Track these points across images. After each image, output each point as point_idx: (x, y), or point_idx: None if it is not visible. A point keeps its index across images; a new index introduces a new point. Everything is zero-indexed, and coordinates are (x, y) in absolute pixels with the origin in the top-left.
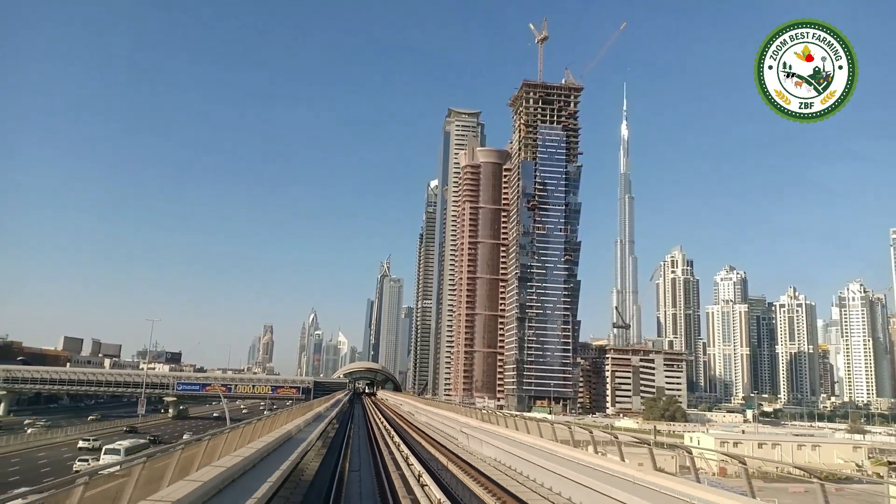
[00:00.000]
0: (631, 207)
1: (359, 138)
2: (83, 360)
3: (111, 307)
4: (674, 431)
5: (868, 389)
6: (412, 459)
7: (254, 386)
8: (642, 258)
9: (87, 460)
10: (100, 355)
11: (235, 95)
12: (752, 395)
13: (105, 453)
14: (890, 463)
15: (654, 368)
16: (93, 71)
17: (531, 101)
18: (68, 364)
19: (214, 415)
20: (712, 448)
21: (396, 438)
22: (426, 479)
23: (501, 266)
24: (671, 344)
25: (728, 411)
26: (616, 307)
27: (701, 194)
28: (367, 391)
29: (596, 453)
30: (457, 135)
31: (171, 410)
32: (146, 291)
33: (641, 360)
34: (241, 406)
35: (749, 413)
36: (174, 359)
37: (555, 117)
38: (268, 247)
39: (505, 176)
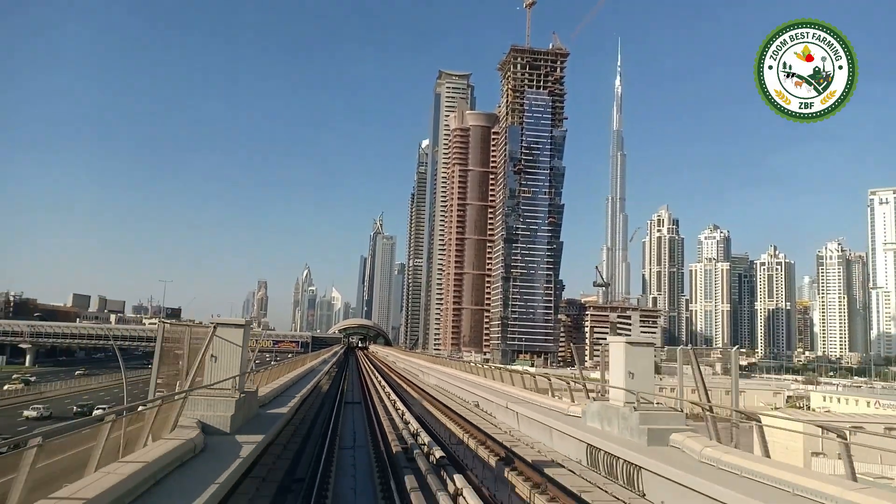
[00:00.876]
0: (623, 164)
1: (352, 98)
2: (91, 316)
3: (111, 264)
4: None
5: (841, 345)
6: (384, 383)
7: (256, 340)
8: (633, 215)
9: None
10: (105, 311)
11: (227, 59)
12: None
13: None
14: (800, 406)
15: (630, 324)
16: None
17: (518, 66)
18: (77, 319)
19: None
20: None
21: (378, 376)
22: (393, 396)
23: (489, 227)
24: (655, 300)
25: (714, 365)
26: (597, 266)
27: (690, 154)
28: (360, 345)
29: (553, 397)
30: (447, 97)
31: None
32: (144, 248)
33: (619, 316)
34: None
35: (718, 366)
36: (174, 314)
37: (541, 82)
38: (262, 204)
39: (493, 139)
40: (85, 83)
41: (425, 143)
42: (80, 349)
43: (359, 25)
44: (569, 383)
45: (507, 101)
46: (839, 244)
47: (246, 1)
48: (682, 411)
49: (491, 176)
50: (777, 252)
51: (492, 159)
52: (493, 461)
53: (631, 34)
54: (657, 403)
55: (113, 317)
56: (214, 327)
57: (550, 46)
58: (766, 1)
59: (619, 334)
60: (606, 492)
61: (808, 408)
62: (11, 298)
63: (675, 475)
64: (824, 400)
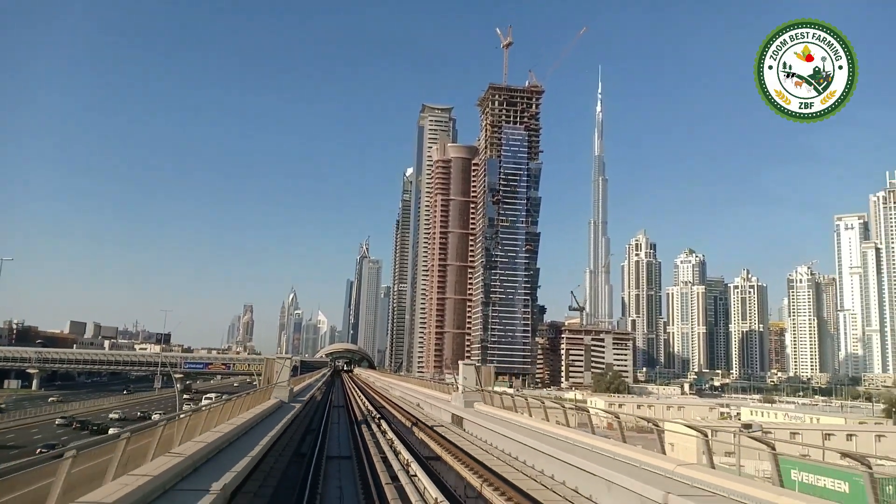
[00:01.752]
0: (605, 189)
1: (340, 125)
2: (86, 342)
3: (97, 288)
4: (611, 402)
5: (812, 366)
6: (360, 394)
7: (248, 364)
8: (614, 238)
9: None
10: (99, 337)
11: (217, 80)
12: (705, 371)
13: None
14: (728, 419)
15: (604, 347)
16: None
17: (496, 102)
18: (74, 345)
19: (213, 388)
20: (600, 407)
21: (357, 391)
22: (364, 399)
23: (470, 254)
24: (633, 323)
25: (683, 385)
26: (572, 291)
27: (669, 177)
28: (345, 368)
29: (529, 416)
30: (430, 129)
31: (178, 385)
32: (130, 272)
33: (593, 339)
34: (234, 382)
35: (686, 386)
36: (164, 339)
37: (518, 118)
38: (247, 228)
39: (473, 170)
40: (67, 101)
41: (409, 171)
42: (80, 374)
43: (348, 55)
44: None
45: (485, 135)
46: (809, 268)
47: (237, 25)
48: (481, 390)
49: (472, 205)
50: (749, 275)
51: (472, 189)
52: (408, 423)
53: (611, 59)
54: (473, 390)
55: (107, 343)
56: (277, 359)
57: (527, 84)
58: (746, 18)
59: (592, 357)
60: (451, 430)
61: (739, 419)
62: (14, 326)
63: (473, 418)
64: (751, 414)
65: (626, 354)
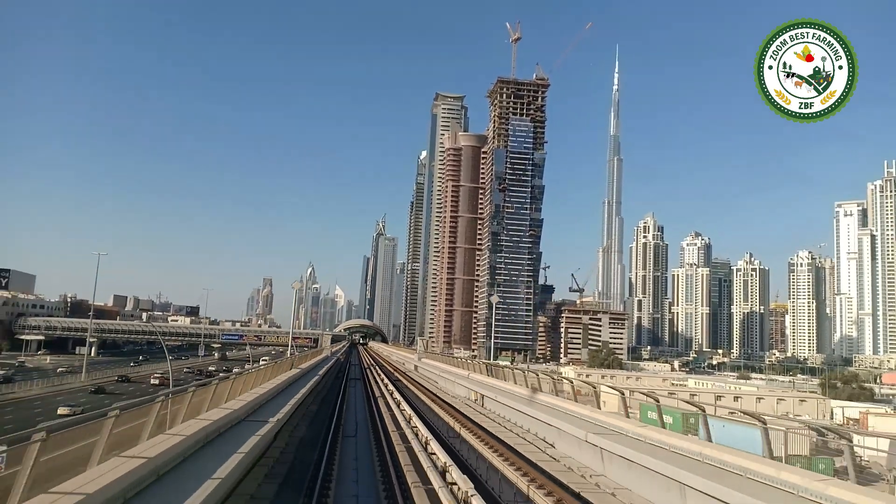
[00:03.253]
0: (619, 169)
1: (359, 107)
2: (127, 314)
3: (123, 261)
4: (602, 375)
5: (809, 347)
6: (369, 359)
7: (277, 336)
8: (628, 218)
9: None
10: (138, 310)
11: (237, 62)
12: (707, 350)
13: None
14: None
15: (601, 326)
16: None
17: (504, 95)
18: (118, 317)
19: (248, 357)
20: (571, 377)
21: (369, 357)
22: (370, 359)
23: (478, 237)
24: (639, 303)
25: (673, 363)
26: (572, 273)
27: (681, 158)
28: (361, 342)
29: (515, 384)
30: (443, 117)
31: (216, 354)
32: (153, 246)
33: (591, 318)
34: (270, 351)
35: (676, 364)
36: (193, 312)
37: (524, 110)
38: (268, 204)
39: (482, 158)
40: (88, 84)
41: (424, 154)
42: (124, 343)
43: (371, 40)
44: (468, 362)
45: (493, 126)
46: (810, 253)
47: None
48: (426, 352)
49: (480, 191)
50: (752, 259)
51: (481, 176)
52: (390, 368)
53: (628, 40)
54: (424, 352)
55: (144, 315)
56: (323, 334)
57: (534, 77)
58: (762, 7)
59: (590, 335)
60: (412, 372)
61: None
62: (69, 300)
63: (422, 365)
64: (694, 384)
65: (621, 333)
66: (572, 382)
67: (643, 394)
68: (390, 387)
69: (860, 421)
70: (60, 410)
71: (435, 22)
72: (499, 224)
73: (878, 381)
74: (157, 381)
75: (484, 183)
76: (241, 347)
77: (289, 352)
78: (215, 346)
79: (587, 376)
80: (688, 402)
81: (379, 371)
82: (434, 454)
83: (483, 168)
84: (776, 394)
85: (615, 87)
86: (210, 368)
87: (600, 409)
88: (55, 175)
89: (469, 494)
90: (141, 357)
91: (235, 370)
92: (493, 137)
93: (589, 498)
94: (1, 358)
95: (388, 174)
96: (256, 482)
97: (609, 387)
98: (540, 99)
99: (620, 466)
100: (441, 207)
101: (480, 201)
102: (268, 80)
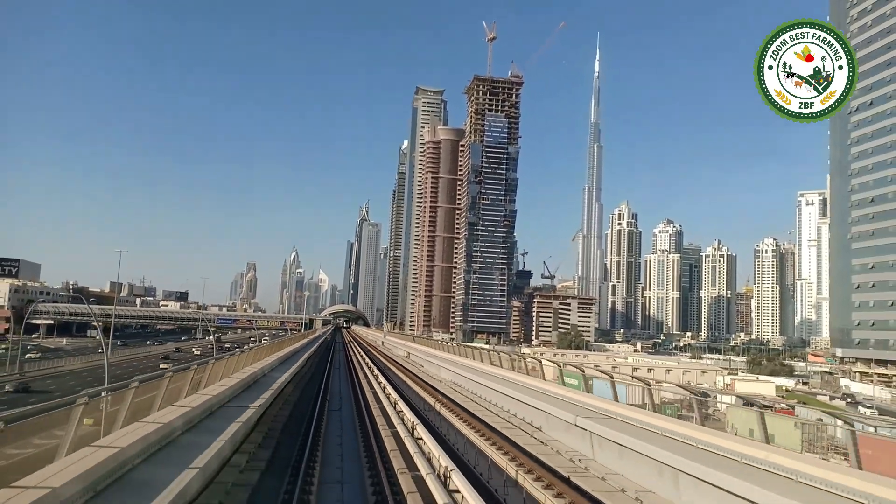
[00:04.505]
0: (600, 156)
1: (342, 95)
2: (122, 300)
3: (109, 246)
4: (554, 353)
5: (773, 329)
6: (351, 339)
7: (268, 321)
8: (608, 204)
9: None
10: (132, 295)
11: (224, 50)
12: (677, 333)
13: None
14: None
15: (569, 310)
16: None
17: (480, 92)
18: (113, 303)
19: (249, 338)
20: (532, 356)
21: (350, 337)
22: (351, 339)
23: (455, 226)
24: (614, 288)
25: (636, 344)
26: (544, 261)
27: (659, 147)
28: (344, 325)
29: (482, 362)
30: (423, 110)
31: (211, 336)
32: (137, 231)
33: (560, 303)
34: (250, 336)
35: (639, 345)
36: (182, 297)
37: (499, 107)
38: (251, 189)
39: (460, 151)
40: (81, 77)
41: (405, 144)
42: (122, 326)
43: (354, 30)
44: (412, 336)
45: (470, 121)
46: (774, 240)
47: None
48: (390, 332)
49: (458, 182)
50: (720, 245)
51: (459, 168)
52: (365, 344)
53: (609, 26)
54: (389, 332)
55: (138, 300)
56: (316, 318)
57: (509, 74)
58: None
59: (560, 319)
60: (379, 345)
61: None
62: (70, 286)
63: (387, 341)
64: (632, 360)
65: (589, 317)
66: (524, 358)
67: (573, 366)
68: (361, 353)
69: (730, 385)
70: (162, 366)
71: (418, 17)
72: (475, 214)
73: (805, 360)
74: (198, 352)
75: (462, 175)
76: (233, 331)
77: (288, 333)
78: (211, 329)
79: (553, 355)
80: (598, 371)
81: (356, 346)
82: (379, 379)
83: (461, 161)
84: (682, 367)
85: (595, 76)
86: (226, 345)
87: (544, 378)
88: (51, 168)
89: (394, 396)
90: (148, 341)
91: (253, 343)
92: (470, 132)
93: (490, 419)
94: (21, 341)
95: (371, 161)
96: (310, 371)
97: (550, 361)
98: (514, 96)
99: (524, 407)
100: (421, 197)
101: (458, 192)
102: (254, 70)
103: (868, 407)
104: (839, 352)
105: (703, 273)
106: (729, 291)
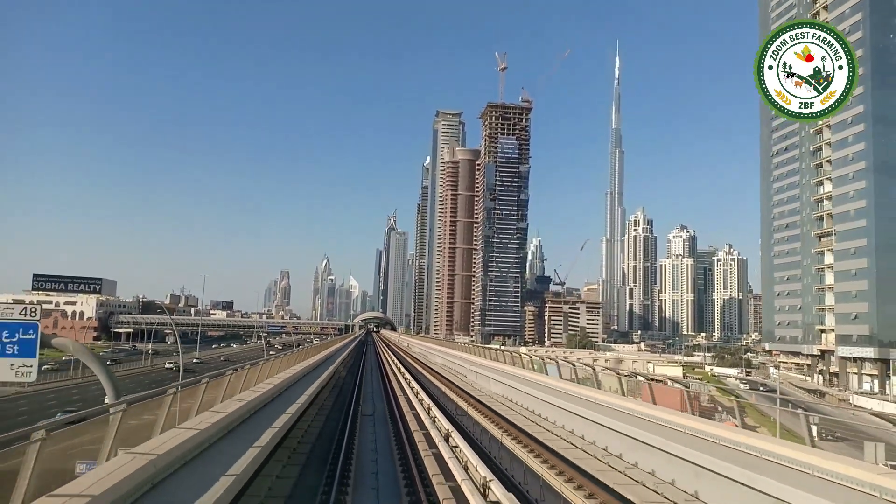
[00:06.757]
0: (621, 161)
1: (371, 110)
2: (181, 310)
3: (149, 257)
4: (572, 354)
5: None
6: (379, 340)
7: (310, 327)
8: (630, 209)
9: None
10: (187, 306)
11: (260, 58)
12: (691, 334)
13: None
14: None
15: (579, 313)
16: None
17: (493, 117)
18: (174, 313)
19: (286, 343)
20: (538, 355)
21: (378, 339)
22: (388, 352)
23: (473, 239)
24: (631, 291)
25: (640, 344)
26: (555, 269)
27: (680, 150)
28: (375, 330)
29: (498, 361)
30: (443, 132)
31: (261, 341)
32: (174, 241)
33: (570, 308)
34: (294, 340)
35: (642, 345)
36: (227, 306)
37: (511, 130)
38: (282, 197)
39: (477, 169)
40: (103, 76)
41: (428, 160)
42: (183, 334)
43: (382, 57)
44: (420, 336)
45: (485, 143)
46: None
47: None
48: (404, 332)
49: (475, 198)
50: (731, 249)
51: (475, 185)
52: (388, 342)
53: (628, 37)
54: (403, 333)
55: (192, 310)
56: (356, 323)
57: (520, 99)
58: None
59: (570, 321)
60: (400, 342)
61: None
62: (140, 300)
63: (402, 339)
64: (618, 355)
65: (597, 319)
66: (521, 355)
67: (551, 358)
68: (384, 346)
69: (652, 369)
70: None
71: (437, 46)
72: (490, 228)
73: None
74: (281, 347)
75: (478, 192)
76: (279, 336)
77: (329, 337)
78: (263, 334)
79: (535, 352)
80: (535, 355)
81: (383, 344)
82: (399, 368)
83: (477, 178)
84: (646, 358)
85: (616, 83)
86: (279, 346)
87: (524, 367)
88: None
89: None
90: (213, 344)
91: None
92: (485, 154)
93: (469, 389)
94: (118, 346)
95: (399, 172)
96: (352, 357)
97: (538, 356)
98: (524, 120)
99: (497, 384)
100: (443, 211)
101: (476, 207)
102: (291, 86)
103: (745, 382)
104: (767, 346)
105: (716, 276)
106: (740, 294)
